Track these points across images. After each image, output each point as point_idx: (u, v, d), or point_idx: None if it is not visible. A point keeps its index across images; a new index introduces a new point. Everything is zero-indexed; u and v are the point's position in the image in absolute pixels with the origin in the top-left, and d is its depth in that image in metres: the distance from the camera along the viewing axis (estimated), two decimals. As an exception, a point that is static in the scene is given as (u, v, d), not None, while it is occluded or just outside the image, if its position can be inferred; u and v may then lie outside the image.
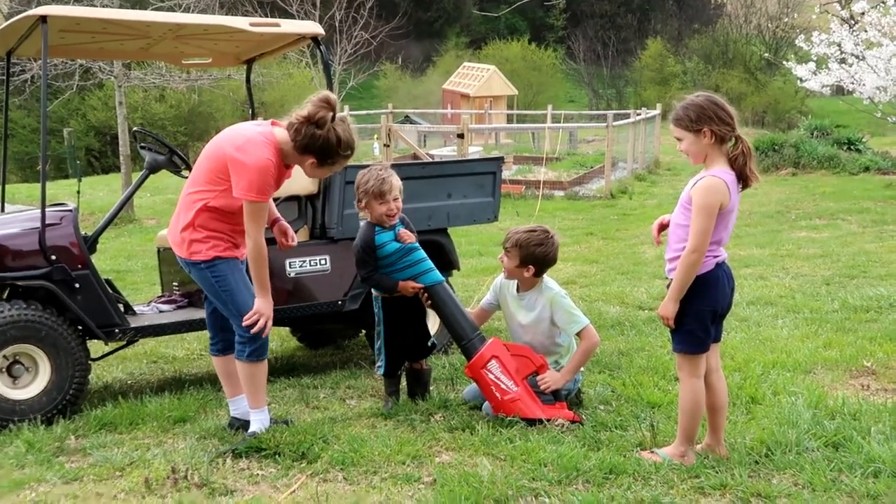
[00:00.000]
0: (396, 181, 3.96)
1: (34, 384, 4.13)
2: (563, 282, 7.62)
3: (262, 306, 3.60)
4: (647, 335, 5.55)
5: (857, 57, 16.08)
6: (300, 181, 4.64)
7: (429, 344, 4.24)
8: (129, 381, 5.11)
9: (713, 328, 3.27)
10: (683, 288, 3.15)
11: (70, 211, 4.39)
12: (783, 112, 35.89)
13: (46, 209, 4.32)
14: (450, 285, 5.34)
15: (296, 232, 4.86)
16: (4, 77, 5.94)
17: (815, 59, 17.72)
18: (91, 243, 4.68)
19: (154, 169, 4.96)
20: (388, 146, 14.36)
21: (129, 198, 5.12)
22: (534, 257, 3.98)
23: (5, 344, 4.06)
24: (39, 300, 4.22)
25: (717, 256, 3.22)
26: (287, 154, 3.56)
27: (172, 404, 4.32)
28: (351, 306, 4.91)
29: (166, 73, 15.48)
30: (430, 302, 4.04)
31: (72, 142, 14.54)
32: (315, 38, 4.91)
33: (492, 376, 3.89)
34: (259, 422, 3.76)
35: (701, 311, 3.20)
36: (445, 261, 5.32)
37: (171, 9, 13.99)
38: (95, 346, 5.04)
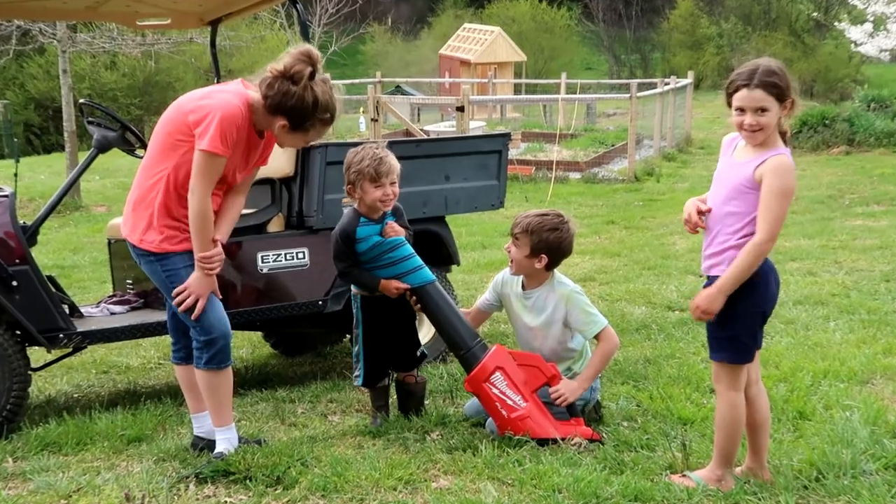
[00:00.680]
0: (395, 163, 3.96)
1: (-35, 398, 4.12)
2: (580, 278, 7.63)
3: (195, 282, 3.57)
4: (677, 340, 5.55)
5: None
6: (274, 161, 4.63)
7: (417, 353, 4.24)
8: (75, 395, 5.10)
9: (760, 333, 3.26)
10: (739, 280, 3.10)
11: (6, 197, 4.38)
12: (835, 81, 35.93)
13: (-22, 194, 4.32)
14: (448, 284, 5.37)
15: (269, 220, 4.87)
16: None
17: (871, 19, 17.73)
18: (31, 234, 4.67)
19: (104, 147, 4.94)
20: (377, 121, 14.36)
21: (74, 181, 5.11)
22: (547, 245, 3.98)
23: (-70, 352, 4.06)
24: (-30, 300, 4.21)
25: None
26: (257, 114, 3.55)
27: (126, 421, 4.32)
28: (333, 307, 4.90)
29: (118, 37, 15.44)
30: (419, 305, 4.03)
31: (7, 116, 14.51)
32: (291, -5, 4.91)
33: (496, 391, 3.89)
34: (226, 441, 3.76)
35: (750, 314, 3.17)
36: (443, 254, 5.32)
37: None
38: (37, 354, 5.02)
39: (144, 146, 5.07)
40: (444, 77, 27.77)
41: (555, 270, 4.09)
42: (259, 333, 6.01)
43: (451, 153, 5.39)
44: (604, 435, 3.91)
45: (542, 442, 3.79)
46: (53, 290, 4.53)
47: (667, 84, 18.55)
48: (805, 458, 3.52)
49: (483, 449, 3.73)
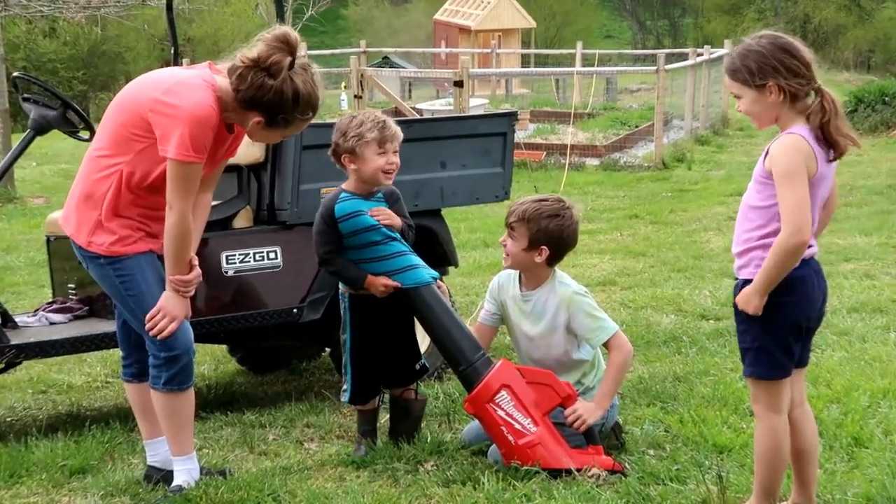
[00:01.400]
0: (398, 130, 4.03)
1: None
2: (598, 282, 7.63)
3: (169, 302, 3.61)
4: (712, 354, 5.56)
5: None
6: (241, 145, 4.63)
7: (417, 366, 4.23)
8: (9, 418, 5.09)
9: (797, 346, 3.27)
10: (773, 280, 3.14)
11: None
12: (896, 51, 35.98)
13: None
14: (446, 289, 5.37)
15: (235, 215, 4.87)
16: None
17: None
18: (-44, 231, 4.67)
19: (42, 129, 4.93)
20: (361, 98, 14.34)
21: (7, 168, 5.10)
22: (548, 234, 4.01)
23: None
24: None
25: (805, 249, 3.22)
26: (227, 107, 3.56)
27: (68, 449, 4.31)
28: (310, 316, 4.91)
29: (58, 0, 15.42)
30: (416, 312, 4.04)
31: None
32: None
33: (501, 413, 3.89)
34: (185, 472, 3.76)
35: (780, 324, 3.21)
36: (438, 254, 5.32)
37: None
38: (-37, 371, 5.01)
39: (90, 128, 5.06)
40: (439, 47, 27.77)
41: (556, 270, 4.11)
42: (223, 347, 6.00)
43: (448, 136, 5.39)
44: (626, 465, 3.91)
45: (555, 473, 3.79)
46: (-17, 295, 4.53)
47: (700, 55, 18.53)
48: (861, 491, 3.53)
49: (485, 482, 3.72)
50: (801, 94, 3.16)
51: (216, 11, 23.67)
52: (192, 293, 3.66)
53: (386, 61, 25.48)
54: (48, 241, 5.22)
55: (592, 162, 15.14)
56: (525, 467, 3.80)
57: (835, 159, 3.19)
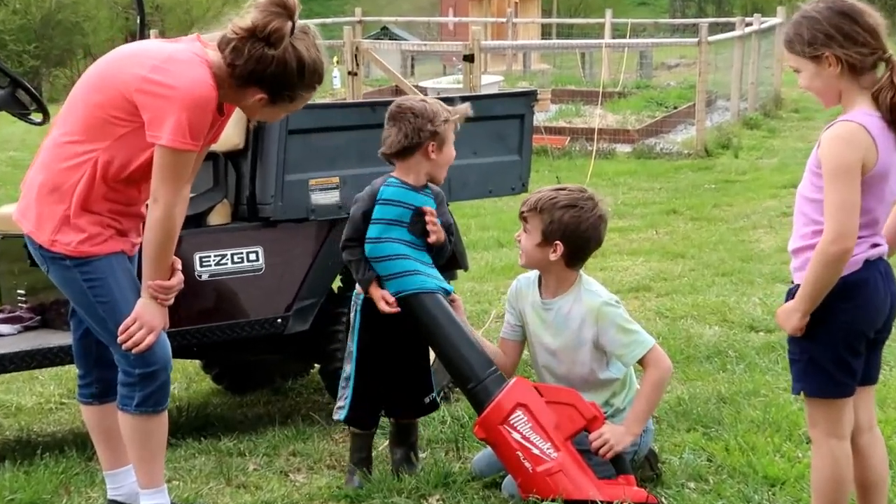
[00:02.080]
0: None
1: None
2: (631, 288, 7.63)
3: (146, 311, 3.60)
4: (762, 371, 5.55)
5: None
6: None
7: (426, 400, 4.25)
8: (-52, 445, 5.10)
9: (858, 361, 3.27)
10: (817, 294, 3.15)
11: None
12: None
13: None
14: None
15: (210, 210, 4.87)
16: None
17: None
18: None
19: (-13, 111, 4.94)
20: (356, 74, 14.37)
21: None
22: (562, 227, 3.99)
23: None
24: None
25: (869, 248, 3.22)
26: (222, 85, 3.57)
27: (17, 481, 4.31)
28: (297, 326, 4.91)
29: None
30: (416, 321, 4.04)
31: None
32: None
33: (517, 436, 3.90)
34: (154, 508, 3.77)
35: (838, 334, 3.20)
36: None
37: None
38: None
39: (43, 110, 5.07)
40: (446, 15, 27.79)
41: (582, 274, 4.10)
42: (196, 363, 6.01)
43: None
44: (662, 499, 3.91)
45: (580, 507, 3.78)
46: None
47: (748, 25, 18.52)
48: (936, 530, 3.52)
49: (499, 518, 3.73)
50: (863, 65, 3.15)
51: (188, -25, 23.73)
52: (171, 301, 3.67)
53: (385, 32, 25.50)
54: (-5, 240, 5.22)
55: (624, 149, 15.14)
56: (545, 500, 3.79)
57: None
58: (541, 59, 25.56)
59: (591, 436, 3.94)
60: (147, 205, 3.60)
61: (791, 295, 3.27)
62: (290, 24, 3.53)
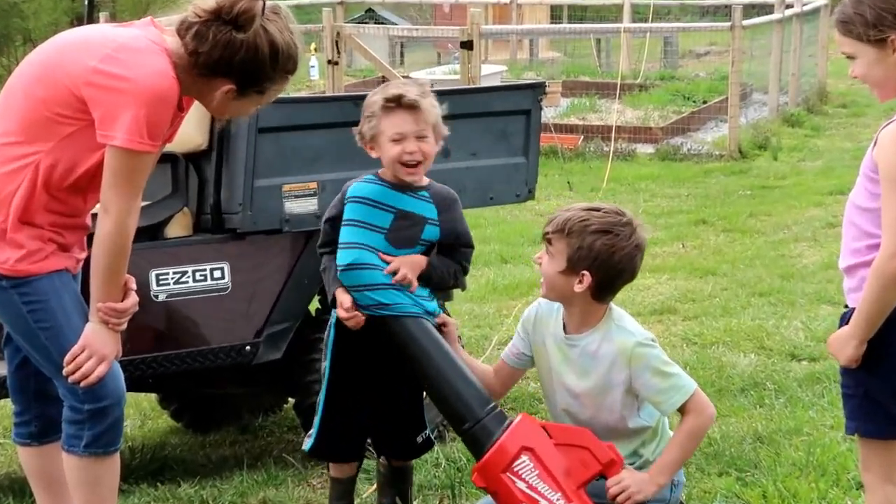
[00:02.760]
0: (429, 103, 4.00)
1: None
2: (656, 310, 7.64)
3: (96, 337, 3.60)
4: (805, 406, 5.56)
5: None
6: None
7: (419, 439, 4.24)
8: None
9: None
10: (875, 319, 3.14)
11: None
12: None
13: None
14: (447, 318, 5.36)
15: (168, 220, 4.88)
16: None
17: None
18: None
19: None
20: (337, 63, 14.38)
21: None
22: (593, 255, 3.94)
23: None
24: None
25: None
26: (182, 76, 3.57)
27: (-56, 534, 4.31)
28: (268, 355, 4.92)
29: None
30: (400, 348, 4.02)
31: None
32: None
33: (522, 485, 3.87)
34: (103, 565, 3.76)
35: (892, 365, 3.21)
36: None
37: None
38: None
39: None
40: (441, -4, 27.82)
41: (612, 307, 4.06)
42: (152, 396, 6.01)
43: (453, 115, 5.37)
44: (690, 554, 3.90)
45: (594, 566, 3.78)
46: None
47: (789, 6, 18.56)
48: None
49: (502, 576, 3.72)
50: None
51: (143, -50, 23.76)
52: (124, 326, 3.66)
53: (370, 15, 25.50)
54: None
55: (646, 149, 15.14)
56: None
57: None
58: (550, 46, 25.60)
59: (609, 482, 3.92)
60: (94, 215, 3.60)
61: (846, 320, 3.25)
62: (260, 3, 3.54)
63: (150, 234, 4.79)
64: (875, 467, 3.28)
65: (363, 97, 5.17)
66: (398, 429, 4.21)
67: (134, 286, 3.69)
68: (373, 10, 26.02)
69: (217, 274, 4.85)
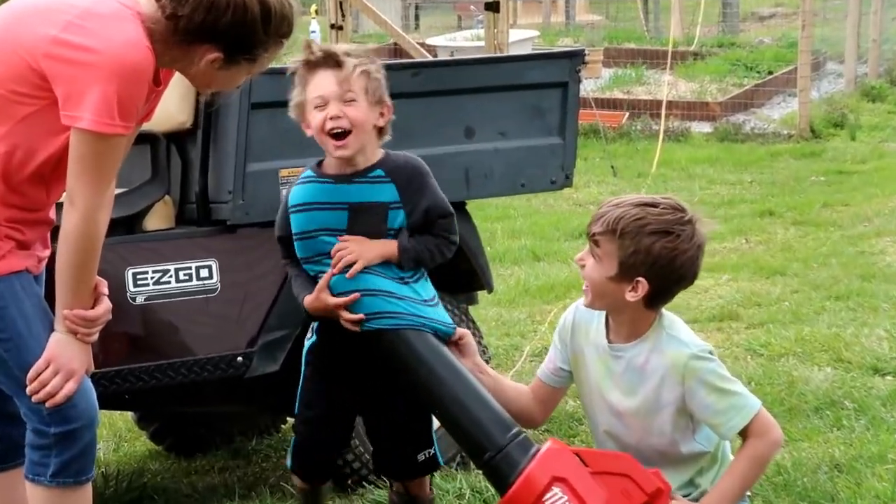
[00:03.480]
0: (356, 62, 3.93)
1: None
2: (715, 316, 7.63)
3: (63, 350, 3.59)
4: (890, 429, 5.54)
5: None
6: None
7: (421, 457, 4.22)
8: None
9: None
10: None
11: None
12: None
13: None
14: (472, 326, 5.35)
15: (148, 209, 4.89)
16: None
17: None
18: None
19: None
20: (341, 29, 14.34)
21: None
22: (651, 260, 3.92)
23: None
24: None
25: None
26: (159, 45, 3.56)
27: None
28: (263, 367, 4.93)
29: None
30: (401, 368, 4.01)
31: None
32: None
33: (554, 520, 3.89)
34: None
35: None
36: (461, 271, 5.33)
37: None
38: None
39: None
40: (462, -51, 27.83)
41: (664, 313, 4.05)
42: (129, 415, 6.03)
43: (477, 87, 5.41)
44: None
45: None
46: None
47: (869, -39, 18.53)
48: None
49: None
50: None
51: None
52: (95, 337, 3.67)
53: (380, -28, 25.55)
54: None
55: (702, 128, 15.13)
56: None
57: None
58: (589, 7, 25.58)
59: (657, 515, 3.93)
60: (59, 205, 3.61)
61: None
62: None
63: (126, 226, 4.80)
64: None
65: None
66: (395, 444, 4.20)
67: (106, 290, 3.68)
68: (383, -32, 26.08)
69: (204, 273, 4.85)
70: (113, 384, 4.70)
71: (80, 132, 3.45)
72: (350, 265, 3.90)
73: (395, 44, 14.47)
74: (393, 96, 4.96)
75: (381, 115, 3.99)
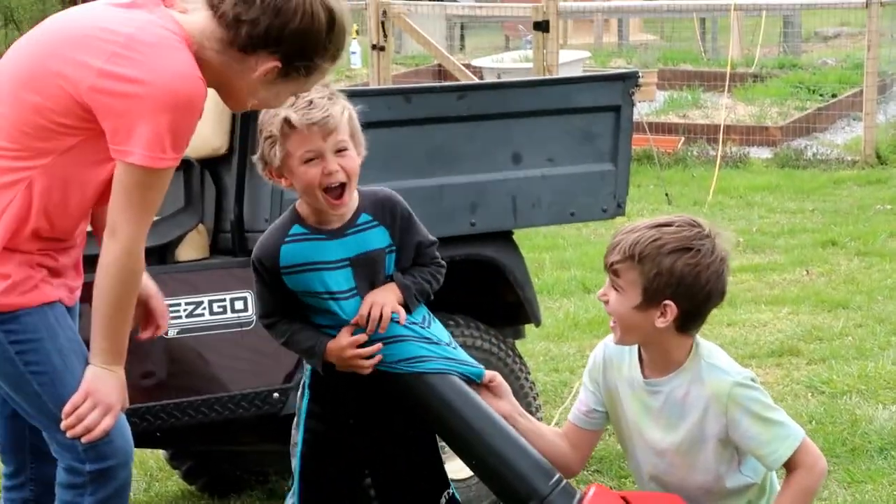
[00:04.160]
0: (340, 108, 3.85)
1: None
2: (773, 351, 7.60)
3: (100, 384, 3.59)
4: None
5: None
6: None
7: (442, 499, 4.18)
8: None
9: None
10: None
11: None
12: None
13: None
14: (519, 361, 5.34)
15: (181, 239, 4.90)
16: None
17: None
18: None
19: None
20: (383, 49, 14.44)
21: None
22: (675, 281, 3.90)
23: None
24: None
25: None
26: (207, 59, 3.55)
27: None
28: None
29: None
30: (428, 416, 4.00)
31: None
32: None
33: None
34: None
35: None
36: (507, 304, 5.31)
37: None
38: None
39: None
40: (510, -33, 27.91)
41: (699, 341, 4.03)
42: (160, 454, 6.04)
43: (525, 112, 5.41)
44: None
45: None
46: None
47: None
48: None
49: None
50: None
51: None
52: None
53: (424, -8, 25.64)
54: None
55: (761, 154, 15.10)
56: None
57: None
58: (643, 26, 25.57)
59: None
60: (89, 233, 3.61)
61: None
62: None
63: (158, 256, 4.81)
64: None
65: (417, 90, 5.20)
66: (411, 487, 4.18)
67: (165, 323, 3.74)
68: (427, -13, 26.17)
69: (238, 305, 4.86)
70: (144, 421, 4.70)
71: (128, 166, 3.44)
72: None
73: (440, 65, 14.53)
74: (437, 120, 4.98)
75: (362, 155, 3.93)
